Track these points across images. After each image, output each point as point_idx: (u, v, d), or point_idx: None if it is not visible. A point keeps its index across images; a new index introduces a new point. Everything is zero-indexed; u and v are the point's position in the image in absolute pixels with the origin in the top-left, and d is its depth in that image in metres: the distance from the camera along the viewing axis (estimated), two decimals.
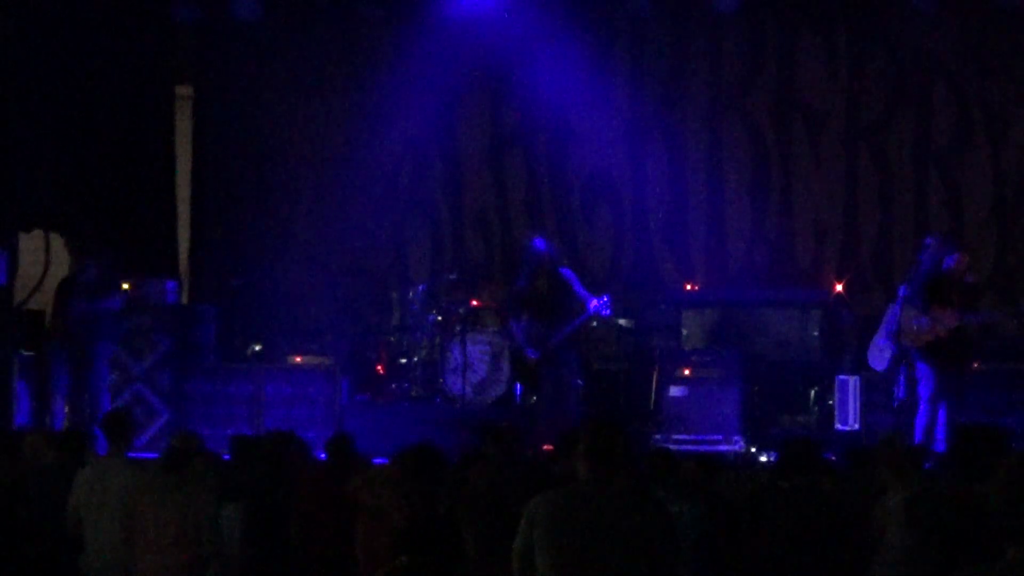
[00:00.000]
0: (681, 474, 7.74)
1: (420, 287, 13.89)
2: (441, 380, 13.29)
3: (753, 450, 12.05)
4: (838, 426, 12.55)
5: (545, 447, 11.31)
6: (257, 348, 14.27)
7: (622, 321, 13.98)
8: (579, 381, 13.31)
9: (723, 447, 12.12)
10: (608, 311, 11.62)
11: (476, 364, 13.09)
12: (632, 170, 15.06)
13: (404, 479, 6.87)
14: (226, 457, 9.49)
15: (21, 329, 12.62)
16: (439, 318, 13.57)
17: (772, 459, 11.53)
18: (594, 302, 11.52)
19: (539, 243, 11.92)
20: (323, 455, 10.04)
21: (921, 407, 11.10)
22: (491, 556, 6.79)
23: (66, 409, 12.42)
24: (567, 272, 11.85)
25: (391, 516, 6.86)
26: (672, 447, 11.37)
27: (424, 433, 11.48)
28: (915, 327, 11.03)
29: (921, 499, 7.77)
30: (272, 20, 14.79)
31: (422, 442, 7.37)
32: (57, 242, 12.55)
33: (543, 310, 11.73)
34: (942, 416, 11.03)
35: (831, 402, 12.78)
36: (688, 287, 14.23)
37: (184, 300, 14.18)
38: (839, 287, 13.73)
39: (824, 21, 14.73)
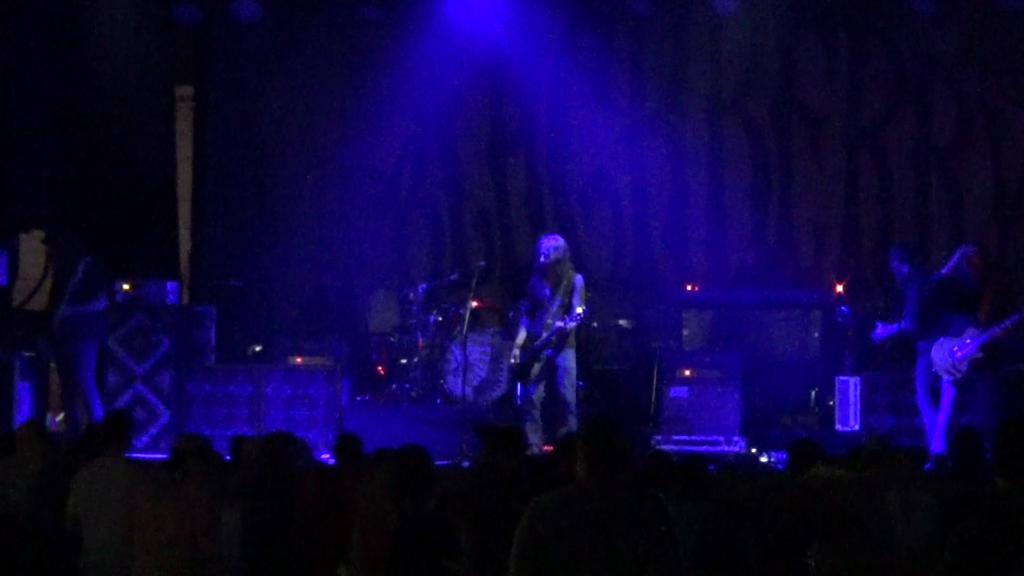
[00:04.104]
0: (680, 475, 7.73)
1: (420, 287, 13.88)
2: (441, 381, 13.29)
3: (754, 451, 12.04)
4: (838, 427, 12.57)
5: (545, 447, 11.33)
6: (257, 348, 14.28)
7: (622, 321, 13.98)
8: (580, 382, 13.32)
9: (724, 448, 12.12)
10: (574, 323, 11.56)
11: (476, 365, 13.09)
12: (632, 170, 15.05)
13: (391, 480, 6.88)
14: (227, 458, 9.49)
15: (21, 329, 12.61)
16: (439, 318, 13.57)
17: (773, 459, 11.54)
18: (559, 323, 11.48)
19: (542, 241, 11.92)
20: (327, 456, 10.05)
21: (943, 416, 11.11)
22: (490, 555, 6.79)
23: (58, 417, 12.45)
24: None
25: (386, 519, 6.87)
26: (672, 448, 11.42)
27: (424, 433, 11.53)
28: (951, 361, 11.06)
29: (922, 499, 7.77)
30: (272, 20, 14.80)
31: (408, 444, 7.38)
32: (48, 244, 12.52)
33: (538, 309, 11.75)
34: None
35: (831, 403, 12.78)
36: (688, 287, 14.22)
37: (184, 300, 14.19)
38: (839, 287, 13.72)
39: (824, 21, 14.73)
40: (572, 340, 11.64)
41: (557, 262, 11.61)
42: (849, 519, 6.91)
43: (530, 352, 11.62)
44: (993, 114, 14.44)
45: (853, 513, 6.87)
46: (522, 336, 11.74)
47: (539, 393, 11.69)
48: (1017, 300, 11.64)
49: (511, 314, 12.65)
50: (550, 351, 11.55)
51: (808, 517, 7.19)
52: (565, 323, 11.44)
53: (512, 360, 11.76)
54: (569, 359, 11.60)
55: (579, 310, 11.44)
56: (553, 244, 11.69)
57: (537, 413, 11.64)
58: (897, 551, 7.49)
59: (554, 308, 11.56)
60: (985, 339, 11.03)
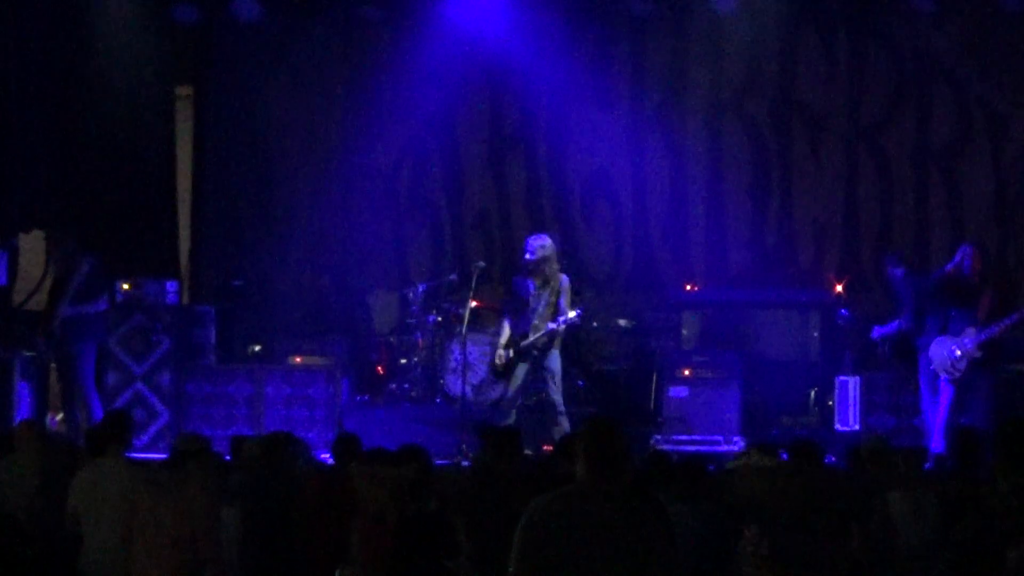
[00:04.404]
0: (680, 475, 7.72)
1: (420, 287, 13.89)
2: (441, 380, 13.29)
3: None
4: (838, 427, 12.56)
5: (545, 447, 11.33)
6: (257, 348, 14.28)
7: (622, 322, 13.97)
8: (579, 382, 13.32)
9: (723, 448, 12.12)
10: (566, 325, 11.52)
11: (476, 364, 13.08)
12: (632, 170, 15.05)
13: (393, 479, 6.88)
14: (227, 458, 9.49)
15: (21, 329, 12.61)
16: (439, 318, 13.56)
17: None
18: (551, 324, 11.44)
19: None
20: (327, 456, 10.05)
21: (942, 416, 11.12)
22: (489, 555, 6.79)
23: (58, 417, 12.46)
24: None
25: (388, 517, 6.87)
26: (672, 448, 11.42)
27: (424, 433, 11.53)
28: (950, 360, 11.09)
29: (922, 499, 7.78)
30: (272, 20, 14.80)
31: (408, 443, 7.38)
32: (49, 244, 12.54)
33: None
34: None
35: (831, 403, 12.78)
36: (688, 287, 14.22)
37: (184, 300, 14.19)
38: (839, 287, 13.73)
39: (824, 21, 14.73)
40: (558, 342, 11.60)
41: (544, 260, 11.54)
42: (777, 506, 6.81)
43: (516, 352, 11.58)
44: (993, 114, 14.44)
45: (779, 500, 6.80)
46: (506, 335, 11.69)
47: (516, 397, 11.65)
48: (1016, 300, 11.65)
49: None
50: (537, 352, 11.51)
51: (738, 503, 7.11)
52: (557, 324, 11.40)
53: (497, 360, 11.68)
54: (555, 361, 11.55)
55: (572, 313, 11.40)
56: (540, 243, 11.63)
57: (514, 412, 11.60)
58: (898, 550, 7.50)
59: (541, 308, 11.52)
60: (983, 338, 11.05)
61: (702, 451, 11.74)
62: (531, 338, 11.47)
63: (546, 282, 11.55)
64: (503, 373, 11.65)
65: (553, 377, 11.51)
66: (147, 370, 12.77)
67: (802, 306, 13.54)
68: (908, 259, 12.24)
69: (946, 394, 11.14)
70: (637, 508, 5.32)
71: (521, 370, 11.56)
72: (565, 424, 11.34)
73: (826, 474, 7.98)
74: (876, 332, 12.03)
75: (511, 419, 11.46)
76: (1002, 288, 11.63)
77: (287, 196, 15.43)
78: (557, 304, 11.50)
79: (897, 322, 11.84)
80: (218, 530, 7.53)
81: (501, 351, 11.65)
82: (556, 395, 11.53)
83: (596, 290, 14.50)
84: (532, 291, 11.59)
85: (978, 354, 11.05)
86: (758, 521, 6.27)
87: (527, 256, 11.59)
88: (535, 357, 11.51)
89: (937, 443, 11.03)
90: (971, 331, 11.08)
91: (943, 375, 11.15)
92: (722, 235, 14.84)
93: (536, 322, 11.50)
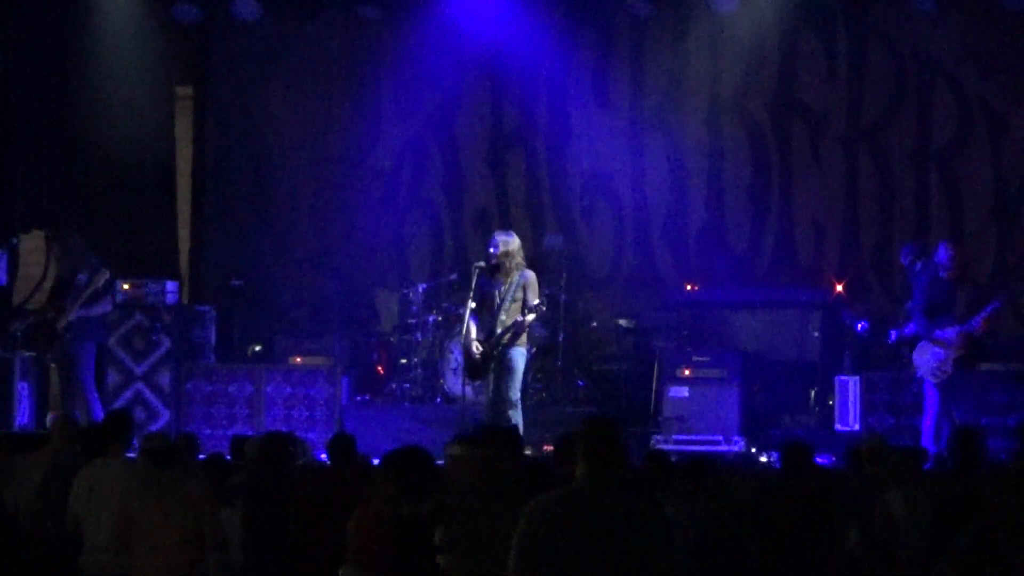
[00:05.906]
0: (683, 476, 7.73)
1: (420, 287, 13.89)
2: (441, 380, 13.29)
3: (753, 450, 12.05)
4: (838, 427, 12.57)
5: (545, 447, 11.32)
6: (257, 348, 14.29)
7: (622, 321, 13.97)
8: (579, 382, 13.31)
9: (723, 447, 12.13)
10: (533, 316, 11.48)
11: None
12: (632, 170, 15.05)
13: (391, 481, 6.87)
14: (228, 458, 9.49)
15: (21, 329, 12.63)
16: (439, 318, 13.56)
17: (772, 459, 11.54)
18: (518, 318, 11.40)
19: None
20: (324, 455, 10.07)
21: (931, 418, 11.12)
22: (488, 556, 6.78)
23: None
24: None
25: (384, 517, 6.86)
26: (672, 447, 11.42)
27: (424, 433, 11.53)
28: (935, 363, 11.07)
29: (921, 499, 7.79)
30: (272, 20, 14.81)
31: (409, 445, 7.37)
32: (52, 245, 12.56)
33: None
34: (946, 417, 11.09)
35: (831, 402, 12.78)
36: (688, 287, 14.22)
37: (184, 300, 14.20)
38: (839, 287, 13.73)
39: (824, 21, 14.72)
40: (524, 338, 11.52)
41: (506, 255, 11.49)
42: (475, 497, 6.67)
43: (486, 347, 11.53)
44: (993, 114, 14.43)
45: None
46: (474, 330, 11.61)
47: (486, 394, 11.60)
48: (993, 293, 11.63)
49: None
50: (502, 347, 11.45)
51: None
52: (524, 318, 11.35)
53: (476, 350, 11.52)
54: (519, 356, 11.42)
55: (535, 301, 11.33)
56: (503, 238, 11.60)
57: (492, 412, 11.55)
58: (898, 550, 7.51)
59: (506, 304, 11.47)
60: (964, 330, 11.01)
61: (702, 451, 11.74)
62: (497, 332, 11.42)
63: (508, 276, 11.51)
64: (479, 370, 11.53)
65: (513, 372, 11.38)
66: (147, 370, 12.80)
67: (802, 306, 13.54)
68: (927, 251, 12.14)
69: (932, 397, 11.14)
70: (636, 508, 5.33)
71: (490, 366, 11.48)
72: (513, 418, 11.20)
73: (816, 475, 7.96)
74: (894, 335, 11.92)
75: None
76: (978, 283, 11.65)
77: (287, 196, 15.43)
78: (524, 299, 11.44)
79: (908, 326, 11.72)
80: (219, 516, 7.54)
81: (476, 345, 11.50)
82: (510, 390, 11.37)
83: (596, 290, 14.51)
84: (496, 287, 11.55)
85: (963, 351, 11.03)
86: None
87: (491, 250, 11.59)
88: (500, 351, 11.43)
89: (928, 443, 11.03)
90: (950, 331, 11.08)
91: (929, 379, 11.13)
92: (722, 235, 14.84)
93: (503, 317, 11.43)
